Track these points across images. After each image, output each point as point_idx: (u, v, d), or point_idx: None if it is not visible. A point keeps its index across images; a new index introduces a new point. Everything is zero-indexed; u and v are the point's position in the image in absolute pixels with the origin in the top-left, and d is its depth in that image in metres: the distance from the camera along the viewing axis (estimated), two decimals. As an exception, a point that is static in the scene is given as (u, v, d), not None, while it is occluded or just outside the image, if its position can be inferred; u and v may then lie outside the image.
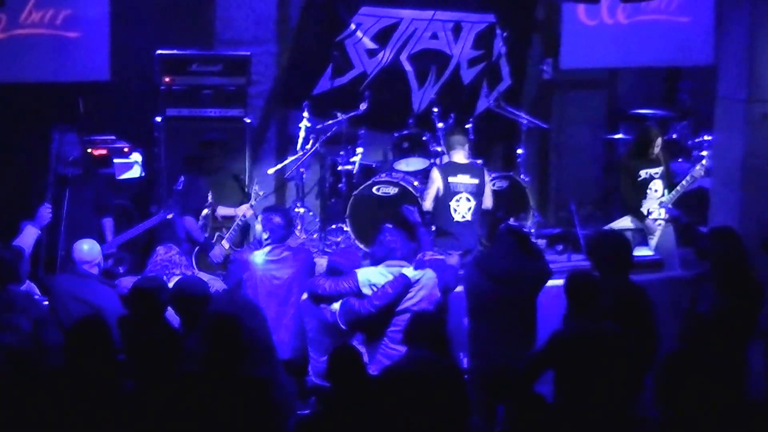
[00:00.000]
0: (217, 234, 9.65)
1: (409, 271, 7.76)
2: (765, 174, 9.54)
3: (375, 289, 7.70)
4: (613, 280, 7.19)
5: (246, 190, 10.27)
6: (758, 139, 9.51)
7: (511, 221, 10.22)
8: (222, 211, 9.90)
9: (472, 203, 9.80)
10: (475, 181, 9.83)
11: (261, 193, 9.69)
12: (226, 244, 9.54)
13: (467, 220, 9.79)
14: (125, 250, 9.76)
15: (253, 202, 9.65)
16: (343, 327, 7.77)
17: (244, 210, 9.70)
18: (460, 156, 9.91)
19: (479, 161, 10.49)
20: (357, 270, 7.89)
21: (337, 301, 7.81)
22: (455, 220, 9.76)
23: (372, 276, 7.79)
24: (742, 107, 9.51)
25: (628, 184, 10.19)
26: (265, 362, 7.11)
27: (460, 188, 9.79)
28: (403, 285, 7.68)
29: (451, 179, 9.78)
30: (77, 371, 6.03)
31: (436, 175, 9.86)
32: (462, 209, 9.77)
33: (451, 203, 9.75)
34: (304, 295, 8.08)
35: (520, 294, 7.56)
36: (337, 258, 8.25)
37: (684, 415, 5.29)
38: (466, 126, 11.09)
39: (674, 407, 5.31)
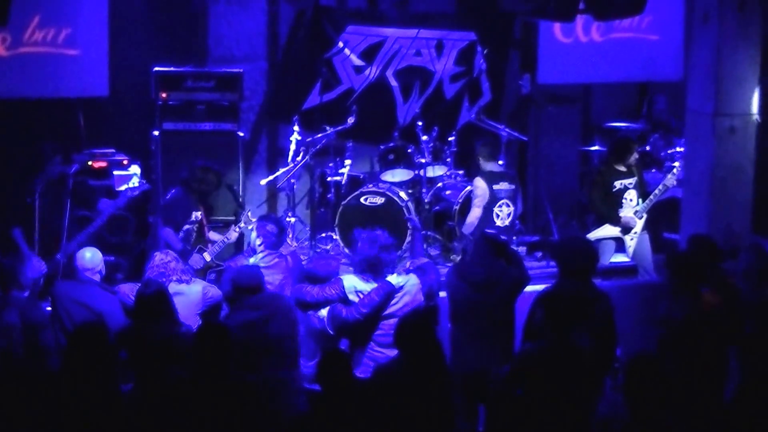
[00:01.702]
0: (198, 246, 9.66)
1: (393, 278, 7.79)
2: (730, 184, 9.77)
3: (361, 295, 7.72)
4: (574, 284, 7.34)
5: (240, 200, 10.45)
6: (724, 151, 9.76)
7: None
8: (212, 236, 9.84)
9: (511, 209, 10.24)
10: (512, 186, 10.29)
11: (253, 219, 9.37)
12: (207, 256, 9.58)
13: (506, 225, 10.21)
14: (122, 256, 10.07)
15: (242, 224, 9.57)
16: (331, 332, 7.85)
17: (233, 236, 9.68)
18: (494, 165, 10.36)
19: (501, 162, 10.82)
20: (342, 276, 7.96)
21: (324, 307, 7.88)
22: (497, 225, 10.12)
23: (357, 283, 7.81)
24: (709, 120, 9.74)
25: (600, 195, 10.31)
26: (282, 366, 7.41)
27: (502, 194, 10.20)
28: (387, 292, 7.70)
29: (495, 186, 10.19)
30: (76, 374, 6.11)
31: (481, 183, 10.20)
32: (503, 215, 10.21)
33: (494, 209, 10.16)
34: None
35: (498, 299, 7.69)
36: (313, 266, 8.40)
37: (652, 416, 5.50)
38: (449, 138, 11.35)
39: (642, 409, 5.52)
